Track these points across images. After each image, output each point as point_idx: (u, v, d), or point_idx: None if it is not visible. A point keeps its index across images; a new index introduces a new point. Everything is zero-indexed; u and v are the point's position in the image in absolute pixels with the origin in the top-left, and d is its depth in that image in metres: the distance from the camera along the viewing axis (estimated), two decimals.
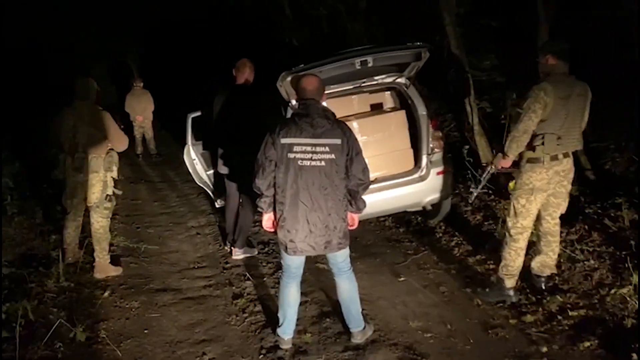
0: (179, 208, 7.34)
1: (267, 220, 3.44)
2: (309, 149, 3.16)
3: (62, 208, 5.05)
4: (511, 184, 4.64)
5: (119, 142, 4.71)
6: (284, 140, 3.17)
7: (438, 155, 5.19)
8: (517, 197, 3.90)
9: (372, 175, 4.01)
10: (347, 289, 3.48)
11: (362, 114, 5.29)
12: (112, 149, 4.69)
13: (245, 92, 4.96)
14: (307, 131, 3.16)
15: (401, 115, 5.23)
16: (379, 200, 4.82)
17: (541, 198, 3.85)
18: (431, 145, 5.14)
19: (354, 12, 9.09)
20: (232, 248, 5.21)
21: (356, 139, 3.27)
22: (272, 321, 3.87)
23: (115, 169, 4.71)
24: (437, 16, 6.37)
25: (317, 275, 4.58)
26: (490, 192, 5.98)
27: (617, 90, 5.32)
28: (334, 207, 3.24)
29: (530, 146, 3.76)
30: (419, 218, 5.88)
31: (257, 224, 5.66)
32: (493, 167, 4.07)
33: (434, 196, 5.20)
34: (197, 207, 7.26)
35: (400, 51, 4.55)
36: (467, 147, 6.28)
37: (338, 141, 3.18)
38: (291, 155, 3.17)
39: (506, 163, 3.96)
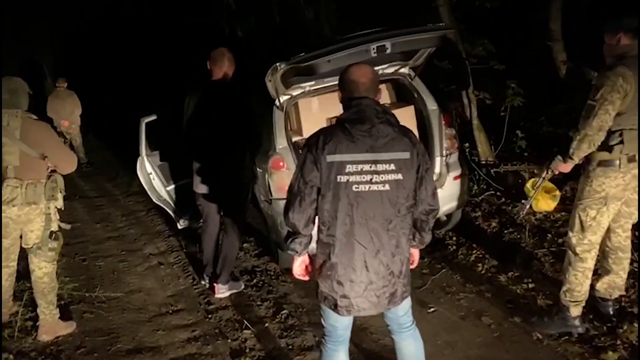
0: (129, 230, 6.17)
1: (300, 265, 2.51)
2: (367, 167, 2.24)
3: None
4: (529, 184, 3.97)
5: (65, 161, 3.56)
6: (331, 158, 2.23)
7: (454, 157, 4.44)
8: (584, 208, 3.19)
9: None
10: (413, 351, 2.57)
11: None
12: (54, 171, 3.55)
13: (225, 90, 3.94)
14: (364, 143, 2.23)
15: (410, 111, 4.42)
16: None
17: (614, 208, 3.17)
18: (445, 146, 4.38)
19: None
20: (215, 284, 4.19)
21: (425, 151, 2.39)
22: None
23: (60, 196, 3.56)
24: None
25: None
26: (498, 193, 5.34)
27: None
28: (400, 245, 2.35)
29: (605, 146, 3.06)
30: None
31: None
32: (550, 172, 3.35)
33: (452, 205, 4.44)
34: (151, 228, 6.13)
35: (423, 34, 3.72)
36: (467, 144, 5.64)
37: (407, 155, 2.27)
38: (342, 179, 2.24)
39: (566, 168, 3.24)
